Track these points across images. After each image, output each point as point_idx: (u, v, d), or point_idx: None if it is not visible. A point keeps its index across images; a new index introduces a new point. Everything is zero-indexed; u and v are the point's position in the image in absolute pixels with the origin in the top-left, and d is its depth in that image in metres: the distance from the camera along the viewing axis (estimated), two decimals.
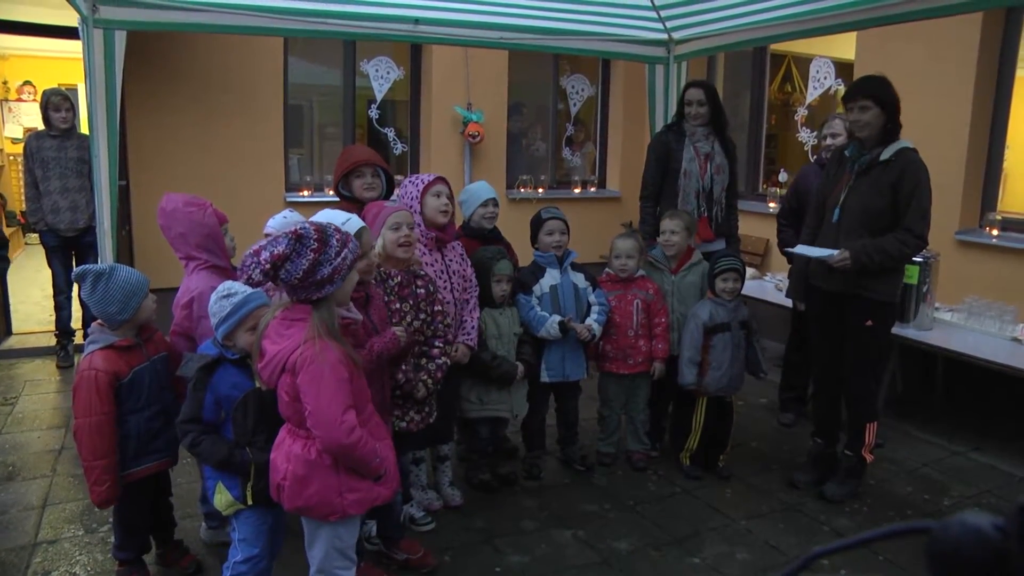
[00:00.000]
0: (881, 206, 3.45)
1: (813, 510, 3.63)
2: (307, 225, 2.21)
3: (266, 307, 2.50)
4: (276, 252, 2.12)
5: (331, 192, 6.53)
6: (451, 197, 3.32)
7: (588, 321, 3.79)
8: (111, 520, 3.04)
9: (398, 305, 3.00)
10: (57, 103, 5.31)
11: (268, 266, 2.13)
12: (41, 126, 5.43)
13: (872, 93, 3.41)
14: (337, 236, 2.22)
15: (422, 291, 3.05)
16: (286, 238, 2.15)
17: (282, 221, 3.17)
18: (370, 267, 2.73)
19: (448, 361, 3.17)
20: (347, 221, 2.56)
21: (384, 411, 2.86)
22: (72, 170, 5.33)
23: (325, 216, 2.56)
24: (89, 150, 4.77)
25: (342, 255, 2.19)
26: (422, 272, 3.10)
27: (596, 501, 3.70)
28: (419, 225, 3.21)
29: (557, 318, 3.70)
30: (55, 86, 5.73)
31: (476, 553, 3.22)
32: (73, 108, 5.38)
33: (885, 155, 3.43)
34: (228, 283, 2.61)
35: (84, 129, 5.37)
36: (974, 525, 0.67)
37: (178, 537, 3.12)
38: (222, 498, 2.53)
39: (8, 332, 6.02)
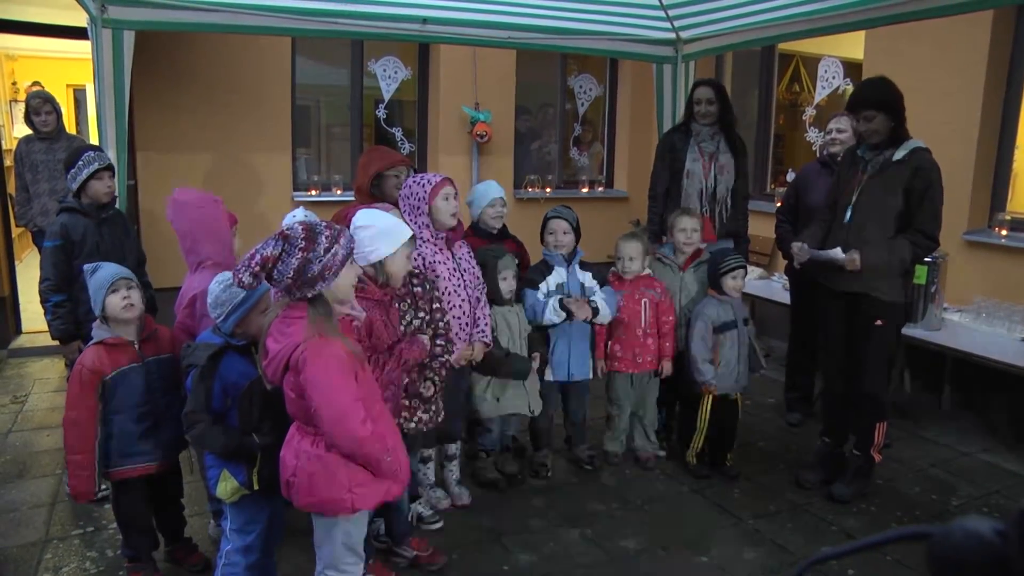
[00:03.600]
0: (893, 206, 3.44)
1: (821, 510, 3.62)
2: (295, 224, 2.18)
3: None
4: (265, 254, 2.10)
5: (339, 192, 6.62)
6: (457, 197, 3.30)
7: (593, 299, 3.74)
8: None
9: (397, 305, 2.96)
10: (37, 106, 5.13)
11: (258, 268, 2.10)
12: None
13: (875, 102, 3.40)
14: (327, 233, 2.17)
15: (419, 289, 3.00)
16: (274, 239, 2.12)
17: (290, 220, 3.18)
18: (399, 273, 2.76)
19: (448, 359, 3.12)
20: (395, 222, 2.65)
21: (396, 414, 2.86)
22: (61, 172, 5.24)
23: (368, 213, 2.63)
24: None
25: (332, 251, 2.14)
26: (416, 270, 3.05)
27: (604, 500, 3.70)
28: (428, 226, 3.21)
29: (557, 297, 3.68)
30: (37, 89, 5.61)
31: (484, 551, 3.23)
32: (55, 110, 5.22)
33: (898, 155, 3.42)
34: (230, 272, 2.53)
35: (92, 129, 5.37)
36: (975, 530, 0.67)
37: (187, 535, 3.13)
38: (227, 485, 2.48)
39: (18, 331, 6.06)
